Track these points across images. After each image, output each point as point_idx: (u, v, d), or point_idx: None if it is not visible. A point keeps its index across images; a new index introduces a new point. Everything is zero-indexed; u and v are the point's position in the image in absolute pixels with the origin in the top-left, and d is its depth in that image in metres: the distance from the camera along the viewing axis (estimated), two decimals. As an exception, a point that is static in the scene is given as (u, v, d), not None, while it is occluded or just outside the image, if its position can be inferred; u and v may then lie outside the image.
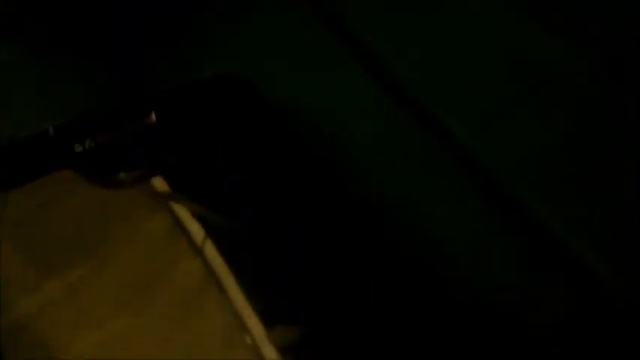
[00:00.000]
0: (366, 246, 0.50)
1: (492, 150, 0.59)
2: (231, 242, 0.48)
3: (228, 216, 0.49)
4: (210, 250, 0.47)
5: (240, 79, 0.59)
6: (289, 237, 0.49)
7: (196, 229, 0.48)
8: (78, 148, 0.52)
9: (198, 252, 0.47)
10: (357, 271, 0.48)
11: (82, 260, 0.48)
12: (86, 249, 0.48)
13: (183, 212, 0.49)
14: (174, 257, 0.47)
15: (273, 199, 0.52)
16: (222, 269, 0.46)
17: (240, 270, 0.46)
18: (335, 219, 0.51)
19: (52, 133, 0.53)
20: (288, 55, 0.68)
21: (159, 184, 0.52)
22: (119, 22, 0.70)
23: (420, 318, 0.48)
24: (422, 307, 0.48)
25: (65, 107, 0.66)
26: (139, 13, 0.70)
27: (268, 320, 0.43)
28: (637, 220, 0.53)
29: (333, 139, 0.61)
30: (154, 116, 0.55)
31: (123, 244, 0.48)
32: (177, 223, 0.49)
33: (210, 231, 0.48)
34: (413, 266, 0.52)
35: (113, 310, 0.46)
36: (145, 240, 0.49)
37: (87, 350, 0.43)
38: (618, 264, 0.51)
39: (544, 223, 0.54)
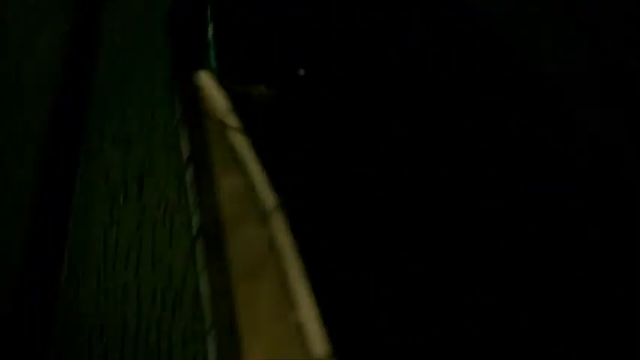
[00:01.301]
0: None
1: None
2: (301, 216, 0.49)
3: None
4: (278, 220, 0.49)
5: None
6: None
7: (268, 197, 0.50)
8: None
9: (266, 220, 0.48)
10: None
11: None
12: None
13: (257, 176, 0.50)
14: (243, 218, 0.49)
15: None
16: (285, 242, 0.48)
17: (304, 247, 0.48)
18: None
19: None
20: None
21: (241, 142, 0.52)
22: None
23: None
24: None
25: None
26: None
27: (321, 301, 0.46)
28: None
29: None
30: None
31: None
32: (251, 187, 0.50)
33: (283, 202, 0.49)
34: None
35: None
36: (220, 194, 0.50)
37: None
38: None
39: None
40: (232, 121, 0.54)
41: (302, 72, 0.56)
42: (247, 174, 0.50)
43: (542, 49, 0.64)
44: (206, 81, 0.57)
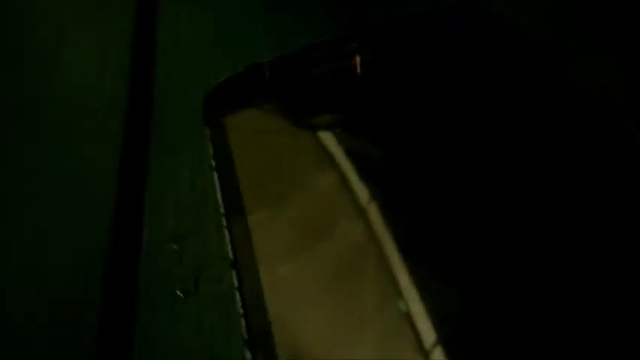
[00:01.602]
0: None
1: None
2: (396, 206, 0.50)
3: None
4: (374, 213, 0.48)
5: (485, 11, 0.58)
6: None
7: (362, 190, 0.50)
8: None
9: (362, 212, 0.49)
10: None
11: (260, 205, 0.51)
12: (264, 195, 0.51)
13: (350, 171, 0.50)
14: (339, 213, 0.49)
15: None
16: (383, 233, 0.48)
17: (401, 235, 0.49)
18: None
19: (267, 68, 0.56)
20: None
21: (330, 140, 0.52)
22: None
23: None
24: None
25: (285, 42, 0.68)
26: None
27: (424, 289, 0.47)
28: None
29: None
30: (358, 59, 0.55)
31: (296, 193, 0.50)
32: (344, 181, 0.50)
33: (376, 193, 0.49)
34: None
35: (282, 256, 0.48)
36: (314, 192, 0.50)
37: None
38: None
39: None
40: (321, 120, 0.54)
41: (358, 59, 0.56)
42: (340, 170, 0.50)
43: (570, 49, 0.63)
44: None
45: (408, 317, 0.46)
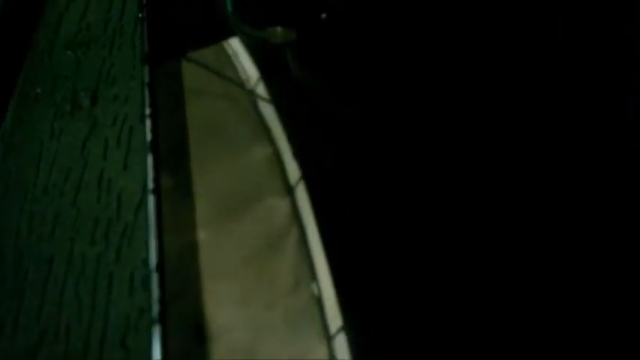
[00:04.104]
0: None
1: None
2: (324, 189, 0.48)
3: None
4: (302, 193, 0.47)
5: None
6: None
7: (293, 169, 0.48)
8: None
9: (290, 191, 0.47)
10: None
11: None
12: (192, 155, 0.48)
13: (284, 148, 0.48)
14: (267, 189, 0.48)
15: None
16: (308, 214, 0.47)
17: (325, 219, 0.47)
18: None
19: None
20: None
21: (269, 113, 0.49)
22: None
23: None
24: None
25: None
26: None
27: (340, 277, 0.46)
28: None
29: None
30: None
31: (227, 160, 0.48)
32: (277, 157, 0.48)
33: (307, 173, 0.48)
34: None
35: (198, 221, 0.46)
36: (246, 163, 0.48)
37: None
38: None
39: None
40: (262, 91, 0.50)
41: (324, 16, 0.53)
42: (275, 145, 0.48)
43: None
44: (237, 49, 0.53)
45: (319, 301, 0.46)
